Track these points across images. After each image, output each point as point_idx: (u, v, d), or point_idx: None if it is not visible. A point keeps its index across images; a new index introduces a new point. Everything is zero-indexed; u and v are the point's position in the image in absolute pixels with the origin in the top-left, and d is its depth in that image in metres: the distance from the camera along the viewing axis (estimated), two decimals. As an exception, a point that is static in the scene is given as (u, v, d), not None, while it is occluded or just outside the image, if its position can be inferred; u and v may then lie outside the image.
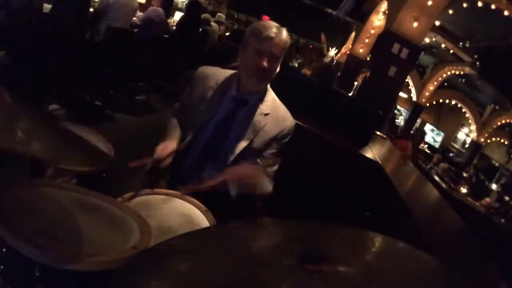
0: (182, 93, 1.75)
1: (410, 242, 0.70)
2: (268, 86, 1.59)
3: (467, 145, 14.20)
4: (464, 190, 7.37)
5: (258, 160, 1.52)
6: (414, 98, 12.49)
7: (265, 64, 1.45)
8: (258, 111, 1.54)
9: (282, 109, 1.61)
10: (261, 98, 1.56)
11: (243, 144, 1.50)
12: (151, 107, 4.78)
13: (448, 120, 15.29)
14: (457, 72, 11.07)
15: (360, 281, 0.58)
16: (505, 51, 7.16)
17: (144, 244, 0.90)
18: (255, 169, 1.39)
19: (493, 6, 5.90)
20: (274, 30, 1.44)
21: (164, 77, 5.13)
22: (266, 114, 1.54)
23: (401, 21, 5.42)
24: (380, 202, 2.20)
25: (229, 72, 1.62)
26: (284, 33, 1.47)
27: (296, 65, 7.60)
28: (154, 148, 1.46)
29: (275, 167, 1.60)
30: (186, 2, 7.47)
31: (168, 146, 1.46)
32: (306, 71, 5.04)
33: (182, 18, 6.19)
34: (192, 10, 5.63)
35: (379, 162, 2.41)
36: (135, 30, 4.68)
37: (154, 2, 4.96)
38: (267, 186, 1.47)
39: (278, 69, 1.54)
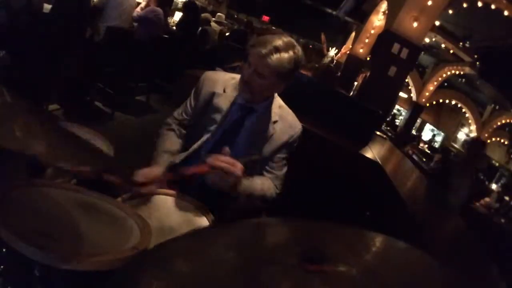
0: (181, 93, 1.74)
1: (410, 242, 0.70)
2: (276, 93, 1.58)
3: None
4: (464, 190, 7.34)
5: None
6: (414, 98, 12.48)
7: (245, 77, 1.42)
8: (267, 119, 1.53)
9: (290, 115, 1.60)
10: (268, 106, 1.55)
11: (252, 153, 1.49)
12: (151, 107, 4.79)
13: (448, 120, 15.29)
14: (457, 72, 11.07)
15: (360, 281, 0.58)
16: (505, 51, 7.17)
17: (144, 244, 0.91)
18: (239, 168, 1.25)
19: (493, 6, 5.90)
20: (267, 49, 1.35)
21: (164, 77, 5.13)
22: (274, 122, 1.54)
23: (401, 21, 5.42)
24: (380, 202, 2.21)
25: (236, 77, 1.58)
26: (280, 56, 1.36)
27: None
28: (135, 173, 1.28)
29: (284, 171, 1.59)
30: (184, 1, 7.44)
31: (150, 174, 1.30)
32: (305, 72, 5.03)
33: (181, 18, 6.19)
34: (189, 10, 5.63)
35: (379, 162, 2.42)
36: (134, 25, 4.68)
37: (151, 2, 4.95)
38: (250, 188, 1.40)
39: (272, 88, 1.48)
